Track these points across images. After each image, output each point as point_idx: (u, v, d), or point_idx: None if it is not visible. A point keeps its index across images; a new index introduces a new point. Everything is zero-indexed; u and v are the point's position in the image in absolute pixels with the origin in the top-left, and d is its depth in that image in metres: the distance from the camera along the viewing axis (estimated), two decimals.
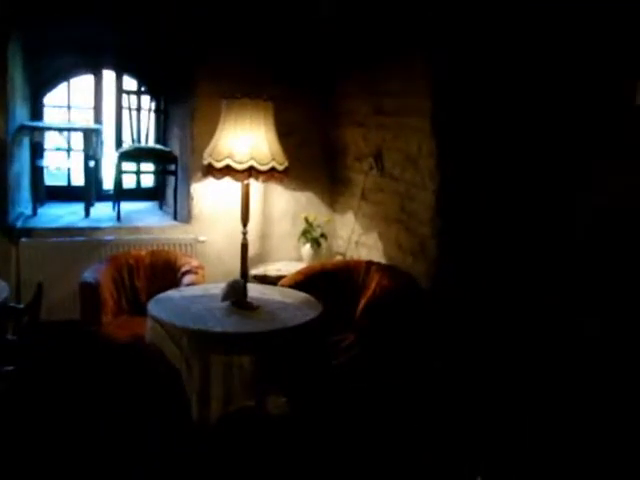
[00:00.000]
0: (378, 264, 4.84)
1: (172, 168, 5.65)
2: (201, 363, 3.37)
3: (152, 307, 3.74)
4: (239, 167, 4.72)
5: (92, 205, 5.79)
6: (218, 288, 4.19)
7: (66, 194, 6.04)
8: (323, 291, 4.66)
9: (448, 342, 4.37)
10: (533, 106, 4.16)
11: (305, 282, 4.62)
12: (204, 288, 4.23)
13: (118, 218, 5.43)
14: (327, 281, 4.77)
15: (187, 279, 4.46)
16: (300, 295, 4.16)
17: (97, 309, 4.31)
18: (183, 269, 4.68)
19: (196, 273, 4.56)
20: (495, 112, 4.30)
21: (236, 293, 3.83)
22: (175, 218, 5.58)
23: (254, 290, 4.12)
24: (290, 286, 4.48)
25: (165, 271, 4.84)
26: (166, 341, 3.50)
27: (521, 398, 4.05)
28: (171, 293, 4.06)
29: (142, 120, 6.13)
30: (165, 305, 3.79)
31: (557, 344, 3.94)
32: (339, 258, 5.67)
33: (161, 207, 6.06)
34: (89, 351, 4.36)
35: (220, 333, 3.39)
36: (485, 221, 4.42)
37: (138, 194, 6.27)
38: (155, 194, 6.25)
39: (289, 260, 5.67)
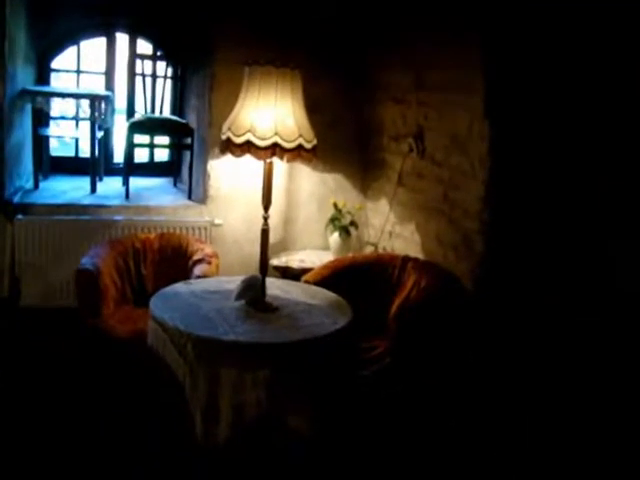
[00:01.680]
0: (415, 260, 4.28)
1: (188, 142, 5.10)
2: (208, 376, 2.84)
3: (154, 305, 3.21)
4: (261, 143, 4.13)
5: (100, 180, 5.29)
6: (233, 282, 3.65)
7: (73, 167, 5.52)
8: (352, 288, 4.12)
9: (493, 355, 3.82)
10: (601, 96, 3.57)
11: (332, 278, 4.07)
12: (217, 282, 3.69)
13: (127, 196, 4.91)
14: (357, 277, 4.22)
15: (198, 269, 3.92)
16: (327, 295, 3.61)
17: (96, 299, 3.80)
18: (195, 257, 4.14)
19: (209, 263, 4.02)
20: (557, 94, 3.70)
21: (253, 292, 3.29)
22: (190, 197, 5.04)
23: (273, 286, 3.58)
24: (315, 282, 3.93)
25: (175, 258, 4.31)
26: (168, 347, 2.97)
27: (572, 417, 3.51)
28: (179, 287, 3.53)
29: (157, 88, 5.58)
30: (170, 302, 3.26)
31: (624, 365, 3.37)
32: (370, 249, 5.12)
33: (175, 184, 5.53)
34: (86, 346, 3.85)
35: (232, 342, 2.85)
36: (540, 217, 3.84)
37: (151, 169, 5.74)
38: (169, 169, 5.71)
39: (314, 249, 5.13)
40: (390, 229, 4.88)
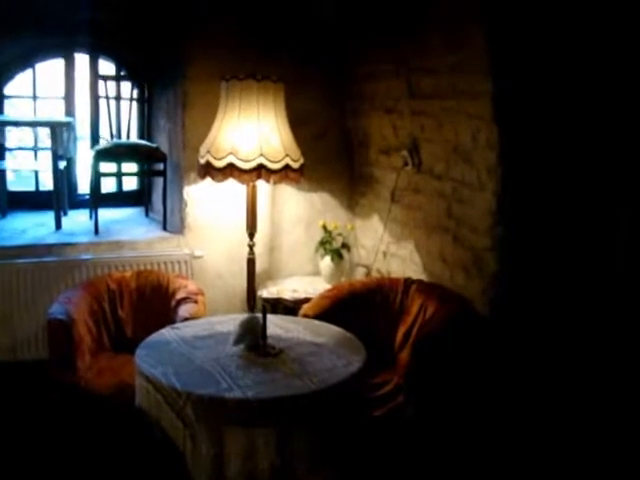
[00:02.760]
0: (419, 282, 3.92)
1: (160, 168, 4.68)
2: (213, 440, 2.43)
3: (141, 358, 2.79)
4: (245, 166, 3.79)
5: (65, 214, 4.84)
6: (225, 323, 3.27)
7: (34, 201, 5.05)
8: (353, 318, 3.77)
9: (513, 388, 3.46)
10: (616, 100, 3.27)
11: (333, 309, 3.69)
12: (207, 323, 3.29)
13: (96, 231, 4.46)
14: (358, 305, 3.85)
15: (184, 310, 3.50)
16: (333, 330, 3.23)
17: (70, 352, 3.35)
18: (178, 296, 3.72)
19: (195, 302, 3.60)
20: (572, 97, 3.39)
21: (252, 335, 2.89)
22: (165, 228, 4.61)
23: (272, 324, 3.19)
24: (316, 316, 3.54)
25: (155, 297, 3.89)
26: (164, 410, 2.55)
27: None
28: (165, 333, 3.11)
29: (122, 111, 5.15)
30: (158, 354, 2.84)
31: None
32: (362, 272, 4.75)
33: (147, 214, 5.09)
34: (61, 406, 3.39)
35: (239, 401, 2.43)
36: (558, 230, 3.52)
37: (119, 199, 5.30)
38: (139, 198, 5.27)
39: (303, 275, 4.74)
40: (384, 249, 4.52)
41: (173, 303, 3.71)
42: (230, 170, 3.79)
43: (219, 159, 3.79)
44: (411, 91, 4.02)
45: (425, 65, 3.83)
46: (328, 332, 3.19)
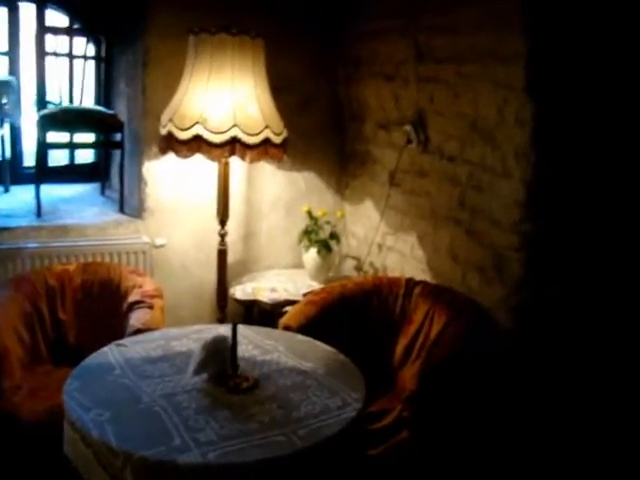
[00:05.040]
0: (424, 284, 3.27)
1: (117, 138, 3.95)
2: None
3: (70, 394, 2.10)
4: (216, 139, 3.09)
5: (6, 191, 4.11)
6: (186, 338, 2.59)
7: None
8: (345, 328, 3.12)
9: (541, 417, 2.84)
10: None
11: (320, 318, 3.03)
12: (163, 337, 2.61)
13: (38, 213, 3.74)
14: (350, 312, 3.20)
15: (135, 319, 2.82)
16: (321, 351, 2.56)
17: None
18: (131, 298, 3.03)
19: (150, 307, 2.92)
20: (624, 70, 2.73)
21: (219, 361, 2.22)
22: (122, 210, 3.90)
23: (244, 340, 2.53)
24: (300, 328, 2.88)
25: (104, 296, 3.20)
26: (95, 472, 1.87)
27: None
28: (108, 353, 2.43)
29: (75, 71, 4.40)
30: (94, 387, 2.16)
31: None
32: (352, 264, 4.09)
33: (103, 191, 4.36)
34: None
35: (197, 466, 1.76)
36: (598, 230, 2.88)
37: (72, 174, 4.55)
38: (96, 173, 4.53)
39: (284, 267, 4.07)
40: (380, 241, 3.85)
41: (124, 306, 3.02)
42: (197, 144, 3.09)
43: (184, 130, 3.09)
44: (419, 53, 3.33)
45: (439, 21, 3.14)
46: (316, 354, 2.52)
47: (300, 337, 2.70)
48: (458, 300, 3.08)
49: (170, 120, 3.13)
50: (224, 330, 2.64)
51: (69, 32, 4.35)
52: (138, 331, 2.70)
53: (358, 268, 4.05)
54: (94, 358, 2.38)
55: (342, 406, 2.12)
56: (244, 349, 2.48)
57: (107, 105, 4.36)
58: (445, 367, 2.73)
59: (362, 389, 2.25)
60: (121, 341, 2.53)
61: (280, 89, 3.49)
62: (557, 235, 2.85)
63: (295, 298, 3.39)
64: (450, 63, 3.12)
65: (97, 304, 3.19)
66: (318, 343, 2.62)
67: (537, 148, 2.73)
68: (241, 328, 2.70)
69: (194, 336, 2.61)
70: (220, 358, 2.23)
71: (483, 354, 2.82)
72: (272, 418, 2.01)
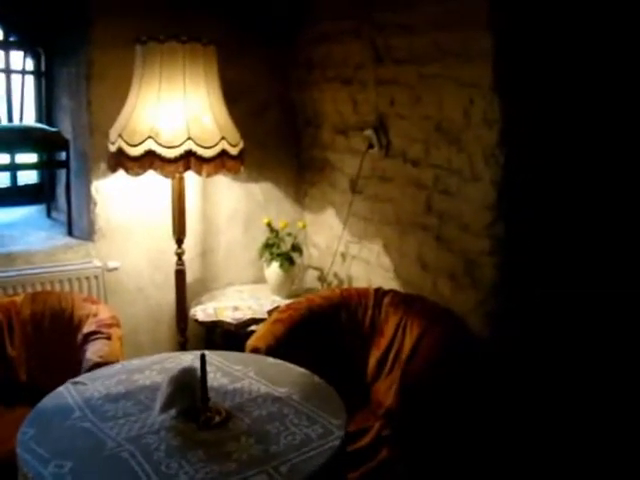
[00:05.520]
0: (394, 293, 3.15)
1: (62, 157, 3.74)
2: None
3: (24, 444, 1.90)
4: (170, 154, 2.92)
5: None
6: (149, 370, 2.41)
7: None
8: (314, 344, 2.98)
9: (526, 426, 2.74)
10: None
11: (289, 336, 2.88)
12: (124, 371, 2.41)
13: None
14: (318, 327, 3.06)
15: (93, 353, 2.61)
16: (294, 374, 2.41)
17: None
18: (86, 328, 2.83)
19: (107, 337, 2.72)
20: (596, 64, 2.66)
21: (188, 395, 2.05)
22: (70, 233, 3.68)
23: (211, 367, 2.36)
24: (269, 349, 2.72)
25: (56, 328, 2.98)
26: None
27: None
28: (65, 393, 2.23)
29: (13, 87, 4.16)
30: (51, 435, 1.96)
31: None
32: (314, 275, 3.95)
33: (49, 213, 4.13)
34: None
35: None
36: (572, 231, 2.80)
37: (14, 196, 4.30)
38: (40, 194, 4.29)
39: (244, 283, 3.90)
40: (343, 250, 3.72)
41: (79, 338, 2.81)
42: (150, 159, 2.91)
43: (135, 145, 2.91)
44: (378, 55, 3.20)
45: (397, 19, 3.02)
46: (289, 377, 2.36)
47: (270, 360, 2.54)
48: (431, 308, 2.97)
49: (119, 136, 2.95)
50: (189, 358, 2.49)
51: (5, 46, 4.12)
52: (96, 365, 2.50)
53: (321, 279, 3.91)
54: (50, 400, 2.18)
55: (323, 434, 1.97)
56: (212, 377, 2.31)
57: (50, 122, 4.13)
58: (424, 380, 2.60)
59: (343, 414, 2.11)
60: (78, 378, 2.33)
61: (231, 97, 3.34)
62: (531, 238, 2.76)
63: (260, 316, 3.23)
64: (411, 64, 3.01)
65: (49, 337, 2.97)
66: (290, 365, 2.46)
67: (507, 149, 2.64)
68: (207, 354, 2.54)
69: (157, 367, 2.43)
70: (188, 391, 2.06)
71: (462, 364, 2.71)
72: (250, 455, 1.85)
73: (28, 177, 4.45)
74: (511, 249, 2.74)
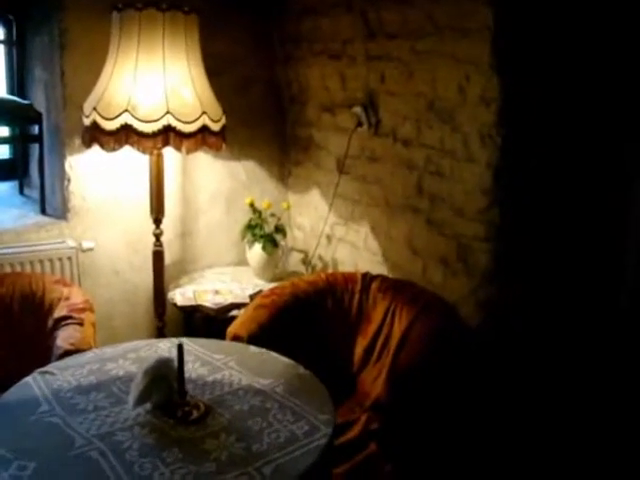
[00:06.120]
0: (382, 279, 3.02)
1: (35, 131, 3.56)
2: None
3: None
4: (147, 128, 2.76)
5: None
6: (120, 358, 2.27)
7: None
8: (298, 331, 2.85)
9: (514, 420, 2.64)
10: None
11: (272, 323, 2.74)
12: (96, 360, 2.27)
13: None
14: (302, 313, 2.92)
15: (63, 340, 2.46)
16: (279, 364, 2.28)
17: None
18: (57, 313, 2.67)
19: (79, 323, 2.56)
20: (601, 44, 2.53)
21: (164, 387, 1.91)
22: (43, 211, 3.51)
23: (190, 356, 2.23)
24: (251, 337, 2.59)
25: (27, 312, 2.82)
26: None
27: None
28: (32, 384, 2.08)
29: None
30: (14, 430, 1.82)
31: None
32: (298, 257, 3.82)
33: (22, 191, 3.94)
34: None
35: None
36: (569, 217, 2.68)
37: None
38: (12, 170, 4.09)
39: (225, 265, 3.76)
40: (329, 232, 3.58)
41: (50, 323, 2.66)
42: (126, 134, 2.75)
43: (110, 119, 2.74)
44: (369, 29, 3.04)
45: None
46: (273, 367, 2.23)
47: (253, 348, 2.40)
48: (421, 295, 2.84)
49: (94, 109, 2.77)
50: (166, 346, 2.35)
51: None
52: (66, 353, 2.35)
53: (306, 262, 3.77)
54: (15, 392, 2.03)
55: (310, 431, 1.84)
56: (190, 368, 2.18)
57: (23, 94, 3.94)
58: (414, 371, 2.49)
59: (330, 409, 1.99)
60: (47, 368, 2.18)
61: (214, 72, 3.16)
62: (527, 224, 2.64)
63: (242, 301, 3.09)
64: (403, 39, 2.85)
65: (18, 321, 2.81)
66: (274, 355, 2.33)
67: (504, 129, 2.50)
68: (185, 341, 2.40)
69: (131, 355, 2.29)
70: (165, 384, 1.92)
71: (454, 354, 2.59)
72: (230, 454, 1.72)
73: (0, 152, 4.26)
74: (506, 235, 2.62)
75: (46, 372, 2.13)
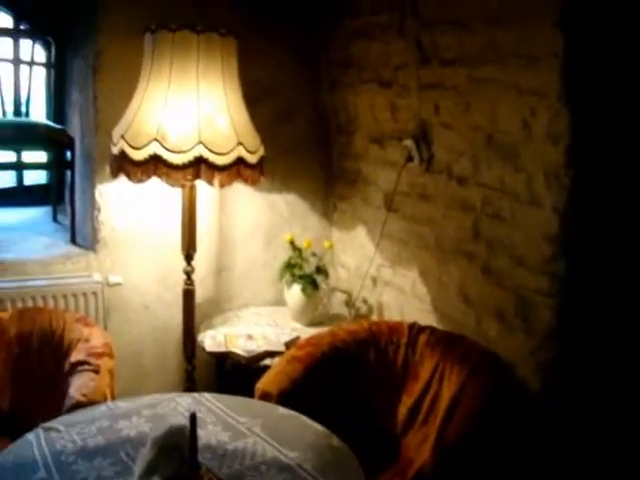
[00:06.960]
0: (431, 331, 2.72)
1: (68, 157, 3.39)
2: None
3: None
4: (177, 159, 2.54)
5: None
6: (135, 415, 2.03)
7: None
8: (335, 387, 2.57)
9: None
10: None
11: (306, 378, 2.47)
12: (108, 416, 2.04)
13: None
14: (341, 367, 2.65)
15: (76, 387, 2.24)
16: (309, 433, 2.00)
17: None
18: (74, 356, 2.45)
19: (95, 370, 2.33)
20: None
21: (174, 460, 1.65)
22: (73, 240, 3.32)
23: (210, 415, 1.98)
24: (281, 394, 2.32)
25: (44, 350, 2.62)
26: None
27: None
28: (33, 442, 1.85)
29: (22, 79, 3.83)
30: None
31: None
32: (341, 298, 3.55)
33: (55, 217, 3.78)
34: None
35: None
36: None
37: (20, 197, 3.97)
38: (48, 195, 3.94)
39: (261, 305, 3.51)
40: (374, 274, 3.31)
41: (67, 366, 2.44)
42: (154, 165, 2.54)
43: (138, 148, 2.53)
44: (423, 54, 2.78)
45: (446, 14, 2.60)
46: (302, 437, 1.96)
47: (282, 411, 2.13)
48: (474, 352, 2.53)
49: (122, 137, 2.57)
50: (186, 403, 2.10)
51: (15, 34, 3.78)
52: (77, 405, 2.12)
53: (349, 304, 3.50)
54: (13, 452, 1.80)
55: None
56: (210, 431, 1.93)
57: (60, 118, 3.79)
58: (466, 441, 2.18)
59: None
60: (52, 423, 1.95)
61: (254, 98, 2.95)
62: (597, 278, 2.32)
63: (276, 349, 2.83)
64: (460, 66, 2.59)
65: (36, 359, 2.61)
66: (305, 420, 2.06)
67: (574, 170, 2.20)
68: (208, 398, 2.16)
69: (147, 413, 2.05)
70: (176, 456, 1.66)
71: (509, 422, 2.28)
72: None
73: (36, 178, 4.12)
74: (574, 290, 2.30)
75: (51, 428, 1.91)
